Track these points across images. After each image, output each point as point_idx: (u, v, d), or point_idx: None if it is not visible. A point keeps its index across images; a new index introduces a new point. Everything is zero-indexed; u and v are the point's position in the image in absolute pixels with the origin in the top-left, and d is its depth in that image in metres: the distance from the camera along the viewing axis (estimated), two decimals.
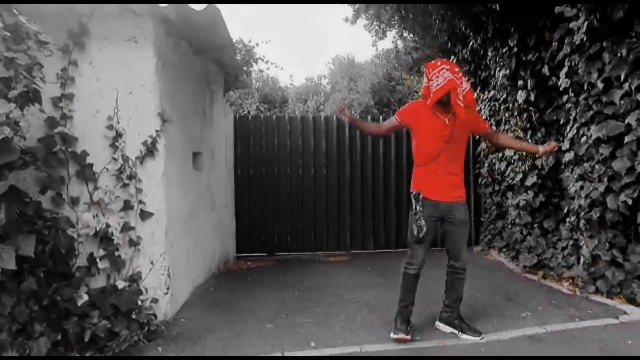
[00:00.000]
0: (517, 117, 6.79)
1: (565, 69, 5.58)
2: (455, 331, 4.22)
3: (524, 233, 6.74)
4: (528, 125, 6.63)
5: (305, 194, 8.64)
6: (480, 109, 8.25)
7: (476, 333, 4.16)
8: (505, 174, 7.47)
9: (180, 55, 5.47)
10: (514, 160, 7.12)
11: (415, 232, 4.00)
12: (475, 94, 8.47)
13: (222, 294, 5.84)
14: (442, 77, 3.88)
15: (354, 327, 4.58)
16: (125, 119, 4.68)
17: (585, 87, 5.29)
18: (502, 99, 7.43)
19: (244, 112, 13.59)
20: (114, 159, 4.66)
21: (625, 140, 4.79)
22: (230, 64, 7.12)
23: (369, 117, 9.58)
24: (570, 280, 5.47)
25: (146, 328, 4.41)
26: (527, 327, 4.39)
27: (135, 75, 4.69)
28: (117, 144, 4.65)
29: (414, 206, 4.02)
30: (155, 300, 4.68)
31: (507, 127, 7.24)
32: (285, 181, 8.63)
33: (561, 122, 6.03)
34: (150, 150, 4.72)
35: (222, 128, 7.61)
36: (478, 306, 4.99)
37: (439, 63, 3.98)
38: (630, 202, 4.78)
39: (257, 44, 7.85)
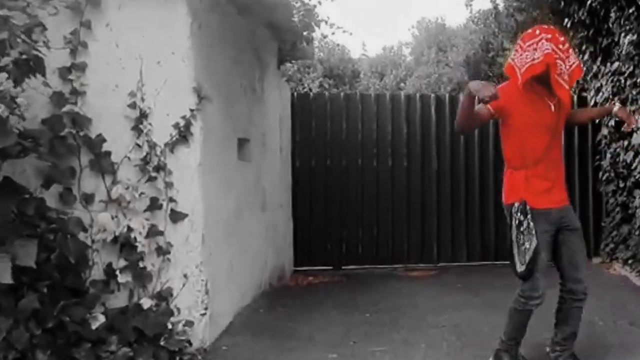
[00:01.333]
0: None
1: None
2: None
3: None
4: None
5: (381, 191, 8.39)
6: (601, 84, 7.90)
7: None
8: (633, 167, 7.04)
9: (221, 15, 5.28)
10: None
11: (526, 259, 3.64)
12: (596, 66, 8.13)
13: (275, 316, 5.72)
14: (539, 50, 3.56)
15: (439, 356, 4.43)
16: (152, 95, 4.52)
17: None
18: (628, 73, 7.00)
19: (304, 89, 13.43)
20: (138, 145, 4.51)
21: None
22: (285, 27, 6.92)
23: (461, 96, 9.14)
24: None
25: (178, 357, 4.28)
26: None
27: (165, 40, 4.53)
28: (141, 126, 4.50)
29: (517, 222, 3.70)
30: (189, 323, 4.50)
31: (634, 107, 6.79)
32: (355, 175, 8.41)
33: None
34: (183, 134, 4.56)
35: (276, 109, 7.44)
36: (595, 333, 4.73)
37: (537, 32, 3.65)
38: None
39: (319, 2, 7.59)
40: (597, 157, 8.38)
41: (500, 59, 12.36)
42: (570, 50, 3.69)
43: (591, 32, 8.03)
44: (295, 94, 8.53)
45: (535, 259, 3.61)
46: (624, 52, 7.00)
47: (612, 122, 7.57)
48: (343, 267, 8.39)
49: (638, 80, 6.78)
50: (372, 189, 8.40)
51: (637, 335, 4.67)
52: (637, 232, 6.97)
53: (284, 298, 6.53)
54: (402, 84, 17.62)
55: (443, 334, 4.96)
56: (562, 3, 8.33)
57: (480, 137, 8.40)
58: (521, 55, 3.64)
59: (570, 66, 3.63)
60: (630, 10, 6.58)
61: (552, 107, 3.72)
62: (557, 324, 3.95)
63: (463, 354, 4.43)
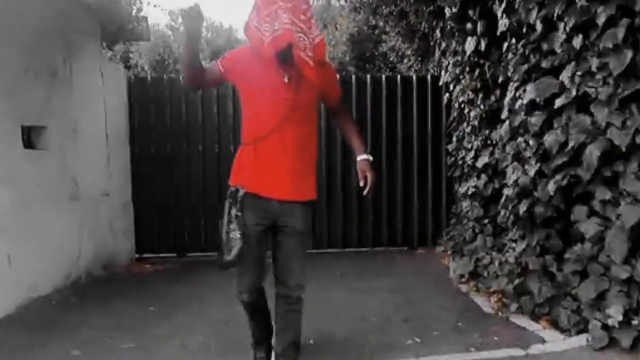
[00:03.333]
0: (468, 74, 6.26)
1: (503, 4, 5.05)
2: None
3: (476, 231, 6.24)
4: (480, 85, 6.11)
5: (224, 177, 8.14)
6: (449, 62, 7.62)
7: None
8: (461, 156, 7.01)
9: None
10: (467, 133, 6.62)
11: (232, 249, 3.27)
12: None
13: (67, 308, 5.57)
14: (278, 21, 3.13)
15: (184, 355, 4.25)
16: None
17: (525, 30, 4.78)
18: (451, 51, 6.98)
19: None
20: None
21: (557, 104, 4.27)
22: (100, 6, 6.69)
23: (368, 76, 8.77)
24: (500, 295, 4.99)
25: None
26: (404, 358, 4.01)
27: None
28: None
29: (229, 207, 3.30)
30: None
31: (459, 87, 6.72)
32: (197, 162, 8.24)
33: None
34: None
35: (99, 93, 7.21)
36: (360, 330, 4.62)
37: None
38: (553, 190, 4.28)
39: None
40: (447, 139, 8.18)
41: (386, 37, 12.12)
42: (313, 21, 3.33)
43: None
44: (132, 78, 8.29)
45: (242, 251, 3.24)
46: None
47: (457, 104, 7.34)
48: (187, 254, 8.26)
49: (459, 59, 6.67)
50: (215, 174, 8.13)
51: (402, 333, 4.52)
52: (461, 222, 6.88)
53: (96, 289, 6.38)
54: None
55: (207, 329, 4.79)
56: None
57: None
58: (260, 24, 3.19)
59: (314, 39, 3.26)
60: None
61: (286, 79, 3.27)
62: (277, 331, 3.54)
63: (210, 353, 4.26)
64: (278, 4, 3.13)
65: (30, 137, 5.91)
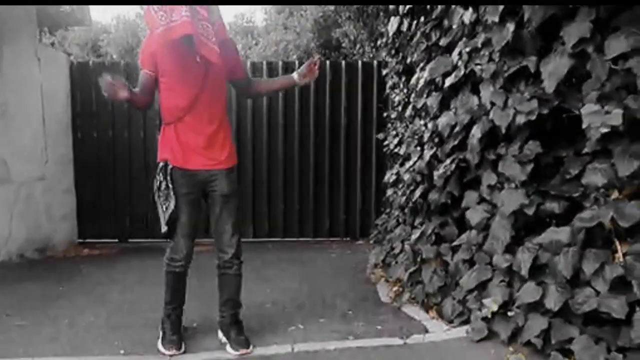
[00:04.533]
0: (393, 57, 6.06)
1: None
2: (225, 340, 3.87)
3: (399, 220, 5.99)
4: (402, 68, 5.89)
5: None
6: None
7: (240, 346, 3.73)
8: (387, 142, 6.79)
9: None
10: (392, 119, 6.39)
11: (165, 218, 3.61)
12: None
13: None
14: (176, 12, 3.31)
15: (93, 334, 4.16)
16: None
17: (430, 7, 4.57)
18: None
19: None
20: None
21: (446, 84, 4.05)
22: None
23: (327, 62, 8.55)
24: (398, 284, 4.78)
25: None
26: (278, 344, 3.87)
27: None
28: None
29: (158, 182, 3.60)
30: None
31: (385, 71, 6.49)
32: (139, 148, 8.04)
33: None
34: None
35: (35, 78, 7.02)
36: (248, 316, 4.38)
37: None
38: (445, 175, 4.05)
39: None
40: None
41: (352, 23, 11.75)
42: (210, 7, 3.51)
43: None
44: (74, 63, 8.07)
45: (175, 220, 3.59)
46: None
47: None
48: (129, 240, 8.09)
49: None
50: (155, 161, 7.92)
51: (295, 319, 4.39)
52: (385, 210, 6.66)
53: (20, 269, 6.31)
54: (249, 52, 16.92)
55: (102, 310, 4.70)
56: None
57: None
58: (157, 11, 3.37)
59: (213, 24, 3.47)
60: None
61: (198, 58, 3.50)
62: (219, 289, 3.89)
63: (93, 332, 4.17)
64: None
65: None
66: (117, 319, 4.45)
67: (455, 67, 4.04)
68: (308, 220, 8.20)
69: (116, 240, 8.11)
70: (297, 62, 8.32)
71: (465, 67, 3.89)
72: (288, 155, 8.13)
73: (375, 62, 8.04)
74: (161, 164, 3.59)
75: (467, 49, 3.88)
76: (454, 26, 4.11)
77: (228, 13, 52.42)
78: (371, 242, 6.65)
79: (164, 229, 3.62)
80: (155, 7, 3.35)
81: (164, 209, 3.58)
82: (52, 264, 6.66)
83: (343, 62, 8.19)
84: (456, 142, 3.99)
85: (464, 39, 3.99)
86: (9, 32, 6.54)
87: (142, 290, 5.28)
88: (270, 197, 8.22)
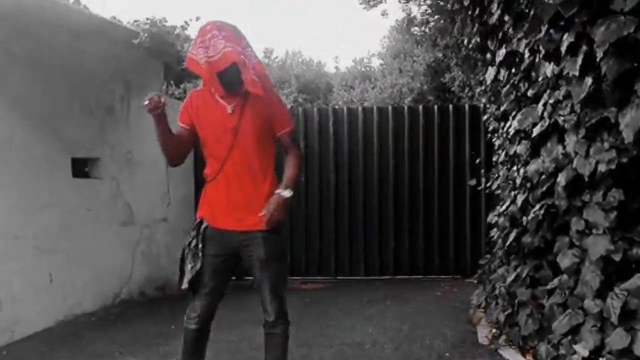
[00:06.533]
0: (492, 103, 6.16)
1: (500, 34, 4.97)
2: None
3: (503, 260, 6.02)
4: (500, 114, 5.99)
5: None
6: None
7: None
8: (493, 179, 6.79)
9: (23, 43, 5.52)
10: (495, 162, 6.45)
11: (187, 277, 3.35)
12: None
13: (94, 325, 5.94)
14: (213, 47, 3.21)
15: None
16: None
17: (517, 60, 4.68)
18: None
19: None
20: None
21: (534, 133, 4.14)
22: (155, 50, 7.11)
23: (420, 106, 8.93)
24: (495, 326, 4.81)
25: None
26: None
27: None
28: None
29: (190, 238, 3.39)
30: None
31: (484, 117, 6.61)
32: None
33: None
34: None
35: None
36: (346, 356, 4.63)
37: (208, 27, 3.28)
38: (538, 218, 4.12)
39: (186, 23, 7.59)
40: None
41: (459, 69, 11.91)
42: (251, 49, 3.37)
43: None
44: None
45: (198, 280, 3.34)
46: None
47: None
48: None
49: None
50: None
51: None
52: (490, 250, 6.66)
53: (138, 307, 6.75)
54: (366, 94, 17.15)
55: (209, 350, 4.72)
56: None
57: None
58: (196, 53, 3.27)
59: (254, 66, 3.30)
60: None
61: (230, 109, 3.31)
62: (265, 349, 3.56)
63: None
64: (212, 32, 3.21)
65: (84, 167, 6.36)
66: (227, 357, 4.69)
67: (541, 117, 4.13)
68: (418, 258, 8.35)
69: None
70: (405, 107, 8.59)
71: (550, 118, 3.97)
72: (399, 194, 8.35)
73: (481, 106, 8.16)
74: (197, 221, 3.40)
75: (552, 101, 3.97)
76: (540, 78, 4.21)
77: (347, 58, 52.98)
78: (475, 281, 6.67)
79: (184, 285, 3.35)
80: (192, 51, 3.29)
81: (189, 268, 3.34)
82: (169, 303, 7.03)
83: (450, 106, 8.37)
84: (544, 189, 4.06)
85: (548, 90, 4.07)
86: (135, 87, 7.18)
87: (246, 331, 5.42)
88: (381, 235, 8.45)
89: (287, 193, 3.30)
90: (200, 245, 3.32)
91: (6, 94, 5.30)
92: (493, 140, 6.53)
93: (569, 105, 3.81)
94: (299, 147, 3.66)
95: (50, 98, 5.79)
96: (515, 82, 4.64)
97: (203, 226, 3.34)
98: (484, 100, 6.59)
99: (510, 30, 4.67)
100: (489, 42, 5.77)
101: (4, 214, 5.23)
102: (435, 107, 8.42)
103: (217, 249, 3.33)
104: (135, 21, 6.87)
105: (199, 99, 3.43)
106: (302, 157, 3.69)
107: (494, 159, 6.45)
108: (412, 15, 11.35)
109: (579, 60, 3.60)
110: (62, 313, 5.89)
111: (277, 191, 3.31)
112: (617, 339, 3.38)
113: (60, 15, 5.63)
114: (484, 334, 4.97)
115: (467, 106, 8.35)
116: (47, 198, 5.71)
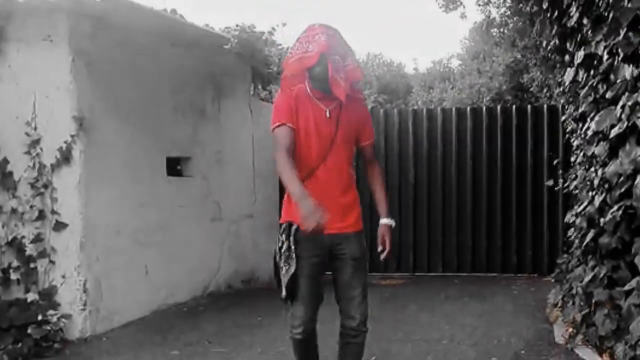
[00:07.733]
0: (570, 104, 6.12)
1: (579, 36, 4.96)
2: None
3: (580, 259, 5.97)
4: (579, 115, 5.94)
5: None
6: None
7: None
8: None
9: (125, 50, 5.88)
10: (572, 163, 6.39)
11: (285, 282, 3.20)
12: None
13: (186, 314, 6.26)
14: (314, 42, 3.18)
15: None
16: (43, 124, 5.29)
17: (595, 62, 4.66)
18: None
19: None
20: (30, 166, 5.27)
21: (611, 135, 4.13)
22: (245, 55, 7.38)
23: (499, 106, 9.11)
24: (572, 325, 4.81)
25: (45, 344, 4.92)
26: None
27: (51, 77, 5.30)
28: (32, 150, 5.27)
29: (280, 243, 3.24)
30: (67, 316, 5.19)
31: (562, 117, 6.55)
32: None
33: None
34: (65, 157, 5.27)
35: (247, 128, 7.95)
36: (424, 352, 4.70)
37: (316, 26, 3.27)
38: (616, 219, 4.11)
39: (273, 29, 7.82)
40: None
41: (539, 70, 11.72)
42: (351, 52, 3.35)
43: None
44: None
45: (295, 285, 3.17)
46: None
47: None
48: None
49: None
50: None
51: (462, 357, 4.56)
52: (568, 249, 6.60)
53: (226, 299, 7.03)
54: (445, 95, 17.00)
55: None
56: None
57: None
58: (297, 48, 3.25)
59: (346, 66, 3.25)
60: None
61: (328, 113, 3.25)
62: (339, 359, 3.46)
63: None
64: (316, 31, 3.21)
65: (177, 166, 6.68)
66: None
67: (619, 119, 4.11)
68: (496, 255, 8.37)
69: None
70: (484, 108, 8.61)
71: (628, 120, 3.96)
72: (476, 193, 8.39)
73: (560, 106, 8.08)
74: (284, 225, 3.22)
75: (630, 103, 3.95)
76: (618, 81, 4.18)
77: (425, 59, 52.94)
78: (552, 280, 6.63)
79: (283, 293, 3.19)
80: (291, 50, 3.29)
81: (285, 272, 3.16)
82: (255, 296, 7.31)
83: (529, 106, 8.34)
84: (622, 190, 4.05)
85: (627, 92, 4.05)
86: (225, 90, 7.51)
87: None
88: (458, 233, 8.52)
89: (392, 222, 3.36)
90: (292, 247, 3.16)
91: (111, 99, 5.66)
92: (571, 140, 6.49)
93: None
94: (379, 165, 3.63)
95: (148, 101, 6.15)
96: (594, 84, 4.62)
97: (293, 228, 3.17)
98: (562, 101, 6.53)
99: (589, 33, 4.66)
100: (567, 44, 5.75)
101: (109, 211, 5.58)
102: (514, 107, 8.42)
103: (310, 250, 3.19)
104: (226, 27, 7.17)
105: (297, 98, 3.28)
106: (383, 172, 3.72)
107: (572, 159, 6.40)
108: (491, 17, 11.32)
109: None
110: (156, 303, 6.23)
111: (383, 221, 3.34)
112: None
113: (160, 25, 5.96)
114: (560, 333, 4.98)
115: (545, 106, 8.31)
116: (145, 195, 6.05)
